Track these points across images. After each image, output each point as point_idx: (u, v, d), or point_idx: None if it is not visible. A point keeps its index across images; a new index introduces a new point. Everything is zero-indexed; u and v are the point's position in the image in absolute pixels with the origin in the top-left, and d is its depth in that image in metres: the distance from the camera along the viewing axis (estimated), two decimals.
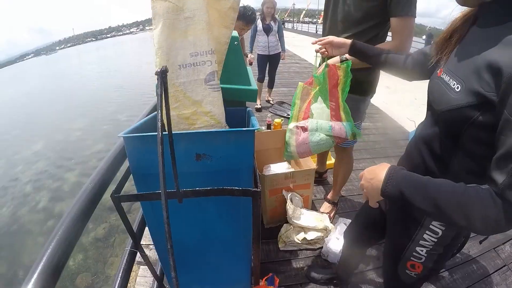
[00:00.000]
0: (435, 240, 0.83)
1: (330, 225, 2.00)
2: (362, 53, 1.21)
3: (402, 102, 5.64)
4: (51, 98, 16.04)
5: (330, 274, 1.74)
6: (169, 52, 1.05)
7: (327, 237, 1.93)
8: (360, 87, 1.64)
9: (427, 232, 0.83)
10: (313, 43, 1.39)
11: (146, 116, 1.40)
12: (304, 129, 1.43)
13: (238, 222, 1.18)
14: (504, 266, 1.90)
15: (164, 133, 0.78)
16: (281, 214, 2.01)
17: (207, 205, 1.12)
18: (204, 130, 0.96)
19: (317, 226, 1.96)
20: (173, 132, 0.99)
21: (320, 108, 1.44)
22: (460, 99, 0.65)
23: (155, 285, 1.58)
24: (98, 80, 19.65)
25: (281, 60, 4.61)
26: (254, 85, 1.43)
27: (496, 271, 1.86)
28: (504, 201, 0.55)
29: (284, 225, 2.01)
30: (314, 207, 2.30)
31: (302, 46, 12.91)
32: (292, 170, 2.02)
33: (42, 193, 6.19)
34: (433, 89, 0.78)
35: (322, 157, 2.64)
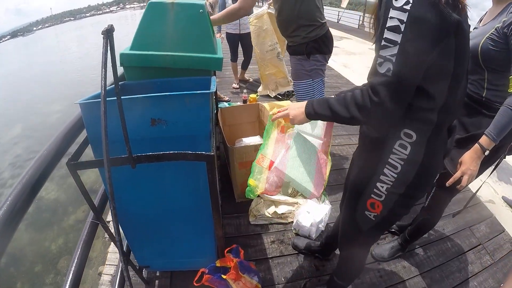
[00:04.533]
0: (395, 175, 0.85)
1: (301, 199, 2.02)
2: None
3: None
4: (29, 81, 15.44)
5: (315, 247, 1.72)
6: (261, 46, 3.52)
7: (297, 211, 1.94)
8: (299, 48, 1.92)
9: (387, 166, 0.85)
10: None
11: (111, 85, 1.36)
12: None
13: (197, 191, 1.15)
14: (479, 245, 1.91)
15: (110, 98, 0.76)
16: None
17: (165, 173, 1.10)
18: (158, 94, 0.93)
19: (288, 200, 1.98)
20: (127, 97, 0.96)
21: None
22: None
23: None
24: (76, 61, 18.98)
25: None
26: (220, 53, 1.40)
27: (471, 249, 1.87)
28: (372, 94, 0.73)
29: (255, 199, 2.00)
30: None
31: None
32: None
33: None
34: None
35: None
